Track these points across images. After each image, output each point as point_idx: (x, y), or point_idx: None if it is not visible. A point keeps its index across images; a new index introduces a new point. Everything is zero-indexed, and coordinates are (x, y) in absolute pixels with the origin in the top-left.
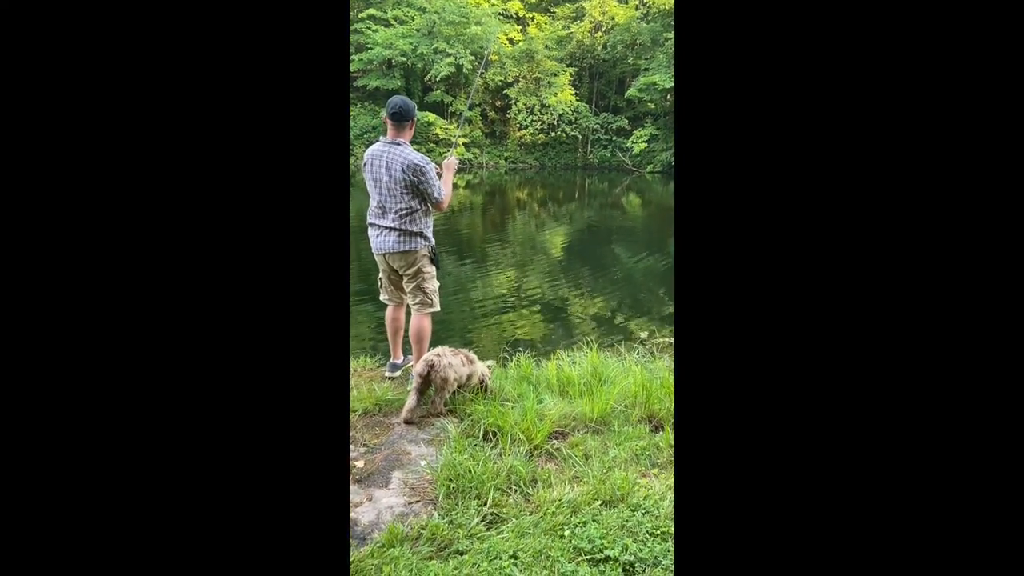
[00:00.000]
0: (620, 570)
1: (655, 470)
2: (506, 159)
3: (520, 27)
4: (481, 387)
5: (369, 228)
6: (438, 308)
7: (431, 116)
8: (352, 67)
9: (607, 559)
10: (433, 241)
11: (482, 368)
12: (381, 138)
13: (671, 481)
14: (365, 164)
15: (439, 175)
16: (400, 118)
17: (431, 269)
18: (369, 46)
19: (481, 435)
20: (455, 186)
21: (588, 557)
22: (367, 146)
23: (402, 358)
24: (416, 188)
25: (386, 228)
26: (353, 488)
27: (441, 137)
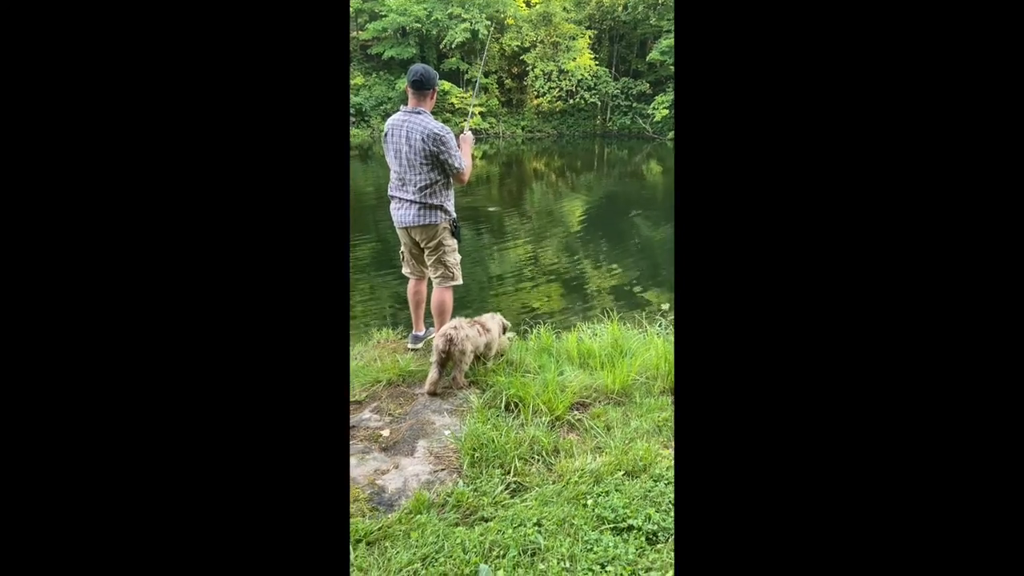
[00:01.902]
0: (643, 539)
1: None
2: (523, 128)
3: None
4: (503, 331)
5: (391, 201)
6: (460, 281)
7: (446, 84)
8: (366, 35)
9: (630, 528)
10: (454, 214)
11: (499, 323)
12: (402, 107)
13: None
14: (386, 135)
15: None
16: (421, 86)
17: (452, 242)
18: (383, 13)
19: (503, 406)
20: (471, 158)
21: (611, 526)
22: (384, 117)
23: (424, 330)
24: (436, 159)
25: (407, 201)
26: (380, 456)
27: (457, 106)
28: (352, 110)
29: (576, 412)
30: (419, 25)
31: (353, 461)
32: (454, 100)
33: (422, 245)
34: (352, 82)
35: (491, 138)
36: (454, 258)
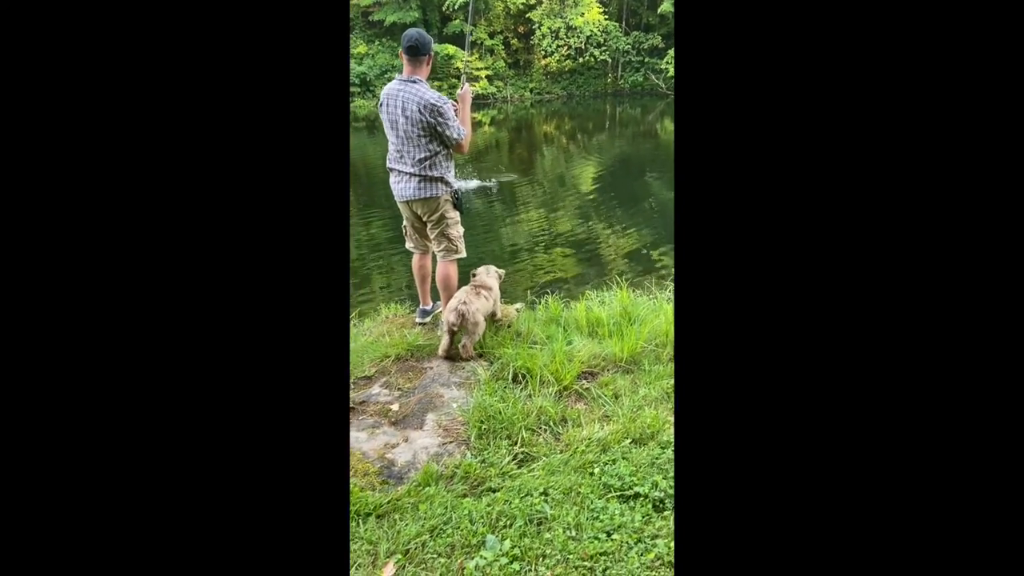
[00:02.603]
0: (650, 506)
1: None
2: (531, 90)
3: None
4: (499, 279)
5: (390, 173)
6: (464, 254)
7: (451, 48)
8: (366, 1)
9: (637, 495)
10: (455, 185)
11: (495, 275)
12: (397, 75)
13: None
14: (381, 104)
15: (456, 111)
16: (416, 52)
17: (455, 215)
18: None
19: (510, 377)
20: (478, 123)
21: (618, 493)
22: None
23: (431, 304)
24: (434, 130)
25: (406, 174)
26: (389, 430)
27: (463, 71)
28: (356, 80)
29: (584, 381)
30: None
31: (363, 435)
32: (459, 65)
33: (424, 219)
34: (354, 51)
35: (499, 103)
36: (457, 231)
